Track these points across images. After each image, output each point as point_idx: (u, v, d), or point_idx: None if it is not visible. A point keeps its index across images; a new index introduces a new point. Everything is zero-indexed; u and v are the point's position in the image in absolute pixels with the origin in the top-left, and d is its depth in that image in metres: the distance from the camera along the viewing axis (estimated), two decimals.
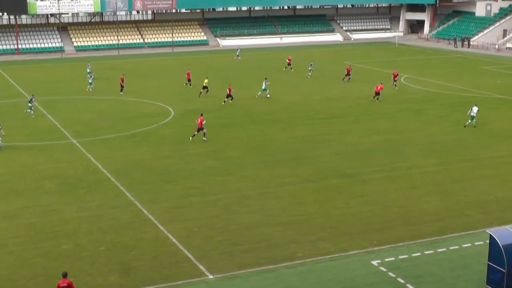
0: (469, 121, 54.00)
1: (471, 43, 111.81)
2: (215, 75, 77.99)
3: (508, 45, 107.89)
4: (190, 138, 50.29)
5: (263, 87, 66.41)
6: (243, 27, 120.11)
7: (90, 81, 71.49)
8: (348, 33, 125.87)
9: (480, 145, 49.38)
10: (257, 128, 54.38)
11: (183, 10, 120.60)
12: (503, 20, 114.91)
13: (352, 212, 35.93)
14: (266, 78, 67.86)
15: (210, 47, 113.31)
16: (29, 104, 58.84)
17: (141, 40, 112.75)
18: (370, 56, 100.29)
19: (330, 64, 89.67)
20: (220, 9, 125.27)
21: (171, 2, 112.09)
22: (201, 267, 29.16)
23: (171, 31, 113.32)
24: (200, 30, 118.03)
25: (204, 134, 50.46)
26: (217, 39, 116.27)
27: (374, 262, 29.61)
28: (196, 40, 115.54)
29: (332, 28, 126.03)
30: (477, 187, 39.92)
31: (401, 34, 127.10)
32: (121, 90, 69.00)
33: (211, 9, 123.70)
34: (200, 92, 67.77)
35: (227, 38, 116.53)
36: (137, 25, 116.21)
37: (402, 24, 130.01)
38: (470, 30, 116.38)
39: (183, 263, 29.59)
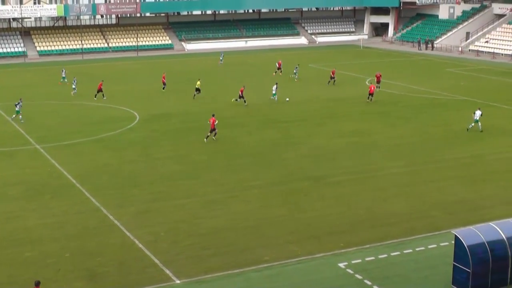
0: (472, 124, 54.14)
1: (435, 45, 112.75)
2: (181, 79, 77.70)
3: (471, 47, 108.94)
4: (205, 139, 50.78)
5: (274, 92, 66.60)
6: (208, 31, 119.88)
7: (73, 86, 70.82)
8: (313, 36, 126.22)
9: (445, 146, 49.77)
10: (223, 131, 54.19)
11: (148, 14, 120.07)
12: (466, 23, 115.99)
13: (319, 214, 36.01)
14: (276, 83, 68.05)
15: (175, 51, 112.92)
16: (16, 109, 58.12)
17: (106, 45, 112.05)
18: (335, 59, 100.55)
19: (294, 68, 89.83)
20: (185, 13, 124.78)
21: (135, 6, 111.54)
22: (168, 272, 29.03)
23: (136, 35, 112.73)
24: (165, 34, 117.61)
25: (215, 134, 51.04)
26: (182, 43, 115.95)
27: (341, 265, 29.70)
28: (161, 44, 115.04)
29: (297, 31, 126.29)
30: (442, 188, 40.24)
31: (366, 37, 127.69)
32: (95, 96, 68.13)
33: (175, 13, 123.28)
34: (194, 95, 68.28)
35: (192, 42, 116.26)
36: (101, 29, 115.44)
37: (366, 27, 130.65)
38: (433, 33, 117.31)
39: (150, 268, 29.42)
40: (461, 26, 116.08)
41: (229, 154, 47.80)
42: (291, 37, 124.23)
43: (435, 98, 67.71)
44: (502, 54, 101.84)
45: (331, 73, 77.32)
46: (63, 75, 78.59)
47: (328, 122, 57.78)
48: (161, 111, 62.05)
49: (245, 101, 64.23)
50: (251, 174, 43.07)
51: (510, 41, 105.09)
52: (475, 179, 42.01)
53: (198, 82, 69.07)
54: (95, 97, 67.95)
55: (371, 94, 65.46)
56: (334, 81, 76.34)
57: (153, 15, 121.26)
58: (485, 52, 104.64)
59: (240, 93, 64.58)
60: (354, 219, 35.30)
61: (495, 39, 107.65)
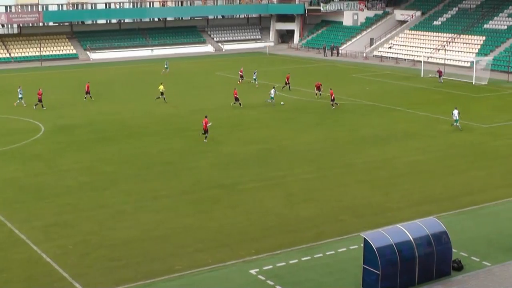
0: (454, 123, 55.50)
1: (340, 51, 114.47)
2: (82, 88, 76.53)
3: (375, 53, 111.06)
4: (199, 133, 53.37)
5: (271, 96, 66.79)
6: (114, 40, 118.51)
7: (20, 95, 68.71)
8: (220, 44, 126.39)
9: (352, 151, 50.49)
10: (131, 141, 53.70)
11: (51, 23, 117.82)
12: (370, 29, 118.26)
13: (229, 222, 35.99)
14: (274, 87, 68.60)
15: (80, 61, 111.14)
16: None
17: (7, 55, 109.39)
18: (241, 66, 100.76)
19: (201, 75, 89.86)
20: (89, 22, 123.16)
21: (37, 15, 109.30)
22: (78, 285, 28.50)
23: (39, 45, 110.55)
24: (69, 43, 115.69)
25: (206, 137, 52.62)
26: (87, 52, 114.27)
27: (253, 271, 29.75)
28: (65, 54, 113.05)
29: (203, 39, 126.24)
30: (350, 192, 40.81)
31: (272, 44, 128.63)
32: (37, 105, 66.54)
33: (79, 22, 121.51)
34: (158, 97, 69.36)
35: (97, 51, 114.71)
36: (2, 39, 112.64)
37: (272, 34, 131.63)
38: (338, 39, 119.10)
39: (58, 283, 28.82)
40: (365, 32, 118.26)
41: (137, 164, 47.29)
42: (198, 45, 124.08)
43: (342, 104, 68.57)
44: (405, 60, 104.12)
45: (286, 79, 77.66)
46: None
47: (235, 130, 57.86)
48: (67, 122, 60.90)
49: (233, 103, 66.59)
50: (160, 183, 42.75)
51: (412, 46, 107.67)
52: (382, 182, 42.77)
53: (161, 86, 69.79)
54: (34, 106, 66.51)
55: (333, 100, 66.07)
56: (289, 86, 76.73)
57: (57, 24, 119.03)
58: (389, 57, 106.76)
59: (234, 95, 66.59)
60: (264, 225, 35.43)
61: (398, 45, 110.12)
